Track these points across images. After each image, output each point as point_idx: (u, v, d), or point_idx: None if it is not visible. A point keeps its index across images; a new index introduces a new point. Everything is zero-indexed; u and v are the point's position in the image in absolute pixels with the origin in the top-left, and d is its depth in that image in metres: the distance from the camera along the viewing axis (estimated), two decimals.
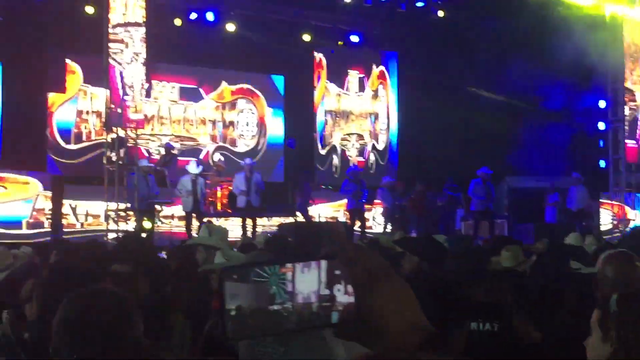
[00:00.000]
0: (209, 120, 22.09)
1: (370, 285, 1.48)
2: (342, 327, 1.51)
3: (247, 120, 22.67)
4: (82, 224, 18.14)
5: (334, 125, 23.90)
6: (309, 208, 20.00)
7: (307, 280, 1.49)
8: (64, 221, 17.89)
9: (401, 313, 1.48)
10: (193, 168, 17.98)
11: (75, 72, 20.30)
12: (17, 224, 17.08)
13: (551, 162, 23.12)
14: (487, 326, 5.32)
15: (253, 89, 22.72)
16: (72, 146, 20.32)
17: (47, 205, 17.68)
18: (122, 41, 16.44)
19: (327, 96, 23.69)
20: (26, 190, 17.49)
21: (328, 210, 21.07)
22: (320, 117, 23.57)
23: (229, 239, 14.55)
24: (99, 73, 17.45)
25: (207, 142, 21.99)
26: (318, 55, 23.33)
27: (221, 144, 22.18)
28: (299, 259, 1.49)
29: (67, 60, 20.08)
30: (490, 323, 5.32)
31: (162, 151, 20.58)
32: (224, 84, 22.24)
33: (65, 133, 20.24)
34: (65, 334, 2.66)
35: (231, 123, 22.40)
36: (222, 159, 21.24)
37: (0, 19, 14.18)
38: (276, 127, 23.04)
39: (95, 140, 20.29)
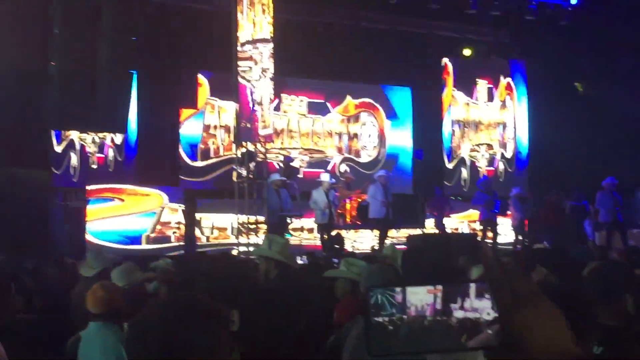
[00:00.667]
0: (335, 133, 22.25)
1: (517, 308, 1.45)
2: (487, 351, 1.48)
3: (369, 132, 22.70)
4: (207, 237, 18.25)
5: (463, 137, 23.66)
6: (443, 220, 19.88)
7: (453, 301, 1.48)
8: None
9: (550, 338, 1.43)
10: (326, 178, 18.13)
11: (202, 85, 20.56)
12: (135, 239, 16.97)
13: None
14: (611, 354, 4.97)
15: (374, 102, 22.74)
16: (199, 163, 20.50)
17: (174, 218, 17.64)
18: (250, 58, 16.65)
19: (454, 105, 23.47)
20: (147, 203, 17.44)
21: (453, 222, 20.88)
22: (446, 128, 23.38)
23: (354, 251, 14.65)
24: (226, 87, 17.76)
25: (334, 154, 22.15)
26: (444, 60, 23.19)
27: (346, 155, 22.30)
28: (450, 282, 1.49)
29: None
30: (614, 349, 4.97)
31: (282, 165, 20.78)
32: (348, 98, 22.35)
33: (191, 149, 20.47)
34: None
35: (355, 135, 22.50)
36: (348, 170, 21.31)
37: (134, 39, 14.59)
38: (395, 138, 22.99)
39: (224, 156, 20.45)
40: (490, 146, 24.08)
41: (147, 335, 2.36)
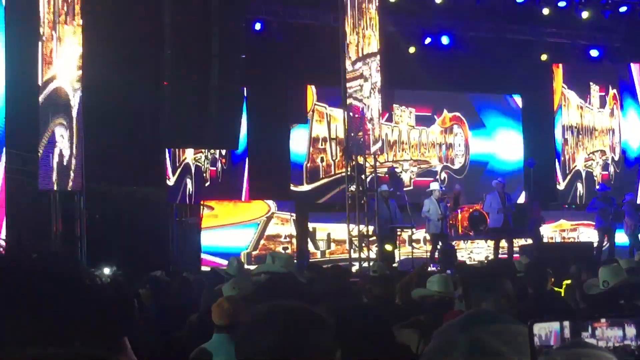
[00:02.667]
0: (437, 143, 22.10)
1: None
2: None
3: (459, 142, 22.46)
4: (323, 252, 18.20)
5: (577, 145, 23.08)
6: (540, 228, 19.50)
7: (619, 335, 1.44)
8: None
9: None
10: (436, 186, 18.08)
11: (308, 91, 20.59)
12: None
13: None
14: None
15: (461, 116, 22.48)
16: (306, 187, 20.31)
17: (284, 230, 17.50)
18: (361, 76, 16.64)
19: (565, 107, 22.94)
20: (247, 212, 17.37)
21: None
22: (557, 135, 22.95)
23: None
24: (334, 96, 17.79)
25: (437, 164, 22.03)
26: (555, 66, 22.80)
27: (445, 164, 22.17)
28: (623, 317, 1.44)
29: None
30: None
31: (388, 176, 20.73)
32: (445, 112, 22.21)
33: (297, 169, 20.24)
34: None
35: (450, 145, 22.32)
36: (458, 187, 21.07)
37: (243, 56, 14.88)
38: (478, 147, 22.71)
39: (335, 174, 20.28)
40: (603, 152, 23.52)
41: (261, 338, 2.41)
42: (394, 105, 21.09)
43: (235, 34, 14.72)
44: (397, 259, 17.41)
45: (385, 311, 7.13)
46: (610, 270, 7.10)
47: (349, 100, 16.51)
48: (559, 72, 22.82)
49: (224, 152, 18.81)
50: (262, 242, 17.07)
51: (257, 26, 19.83)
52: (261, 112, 19.26)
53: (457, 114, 22.45)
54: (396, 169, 20.64)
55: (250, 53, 15.39)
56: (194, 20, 14.17)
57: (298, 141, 20.53)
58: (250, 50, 15.42)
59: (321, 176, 20.52)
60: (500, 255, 17.89)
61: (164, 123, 14.61)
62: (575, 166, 22.96)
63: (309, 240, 18.15)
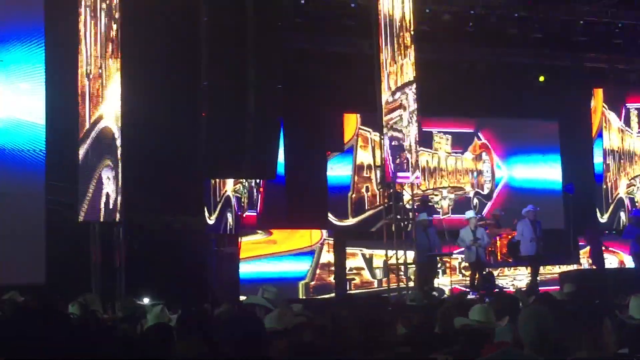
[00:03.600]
0: (469, 170, 21.99)
1: None
2: None
3: (487, 168, 22.29)
4: (380, 281, 18.01)
5: (619, 171, 22.84)
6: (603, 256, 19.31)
7: None
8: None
9: None
10: (471, 214, 18.00)
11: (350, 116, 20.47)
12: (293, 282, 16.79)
13: None
14: None
15: (487, 143, 22.34)
16: (351, 221, 20.03)
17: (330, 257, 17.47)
18: (400, 106, 16.67)
19: (608, 130, 22.75)
20: (302, 239, 17.43)
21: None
22: (597, 158, 22.73)
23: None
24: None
25: (470, 190, 21.92)
26: (595, 90, 22.66)
27: (477, 190, 22.04)
28: None
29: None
30: None
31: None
32: (475, 140, 22.12)
33: (339, 199, 20.06)
34: None
35: (480, 171, 22.18)
36: (498, 211, 20.93)
37: (280, 86, 14.93)
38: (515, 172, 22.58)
39: (380, 205, 19.72)
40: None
41: None
42: (433, 131, 21.08)
43: (272, 62, 14.79)
44: (437, 287, 17.33)
45: (426, 339, 7.16)
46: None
47: (390, 132, 16.52)
48: (599, 93, 22.68)
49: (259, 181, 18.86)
50: (317, 271, 17.09)
51: (293, 54, 19.89)
52: (298, 141, 19.26)
53: (485, 141, 22.32)
54: (435, 196, 20.64)
55: (286, 81, 15.43)
56: (231, 49, 14.26)
57: (339, 172, 20.28)
58: (286, 78, 15.45)
59: (366, 207, 20.27)
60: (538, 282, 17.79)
61: (202, 153, 14.69)
62: (618, 194, 22.70)
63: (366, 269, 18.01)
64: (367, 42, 18.18)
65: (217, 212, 17.85)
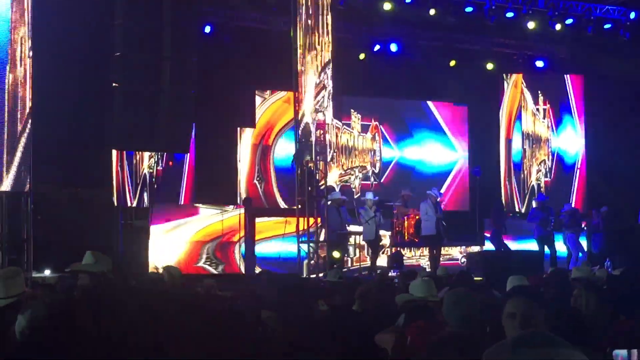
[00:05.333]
0: (370, 150, 22.22)
1: None
2: None
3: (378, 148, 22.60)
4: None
5: (532, 156, 23.31)
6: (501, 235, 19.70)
7: None
8: None
9: None
10: (370, 196, 18.19)
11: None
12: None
13: None
14: None
15: (379, 125, 22.55)
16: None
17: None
18: (324, 87, 16.70)
19: (524, 112, 23.19)
20: None
21: None
22: (516, 145, 23.18)
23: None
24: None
25: (370, 169, 22.15)
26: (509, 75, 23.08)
27: (373, 169, 22.27)
28: None
29: None
30: None
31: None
32: (372, 121, 22.33)
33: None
34: None
35: (374, 151, 22.46)
36: (407, 191, 21.18)
37: (195, 59, 14.78)
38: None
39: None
40: (544, 162, 23.73)
41: None
42: (352, 111, 21.26)
43: (187, 36, 14.62)
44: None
45: (347, 319, 7.19)
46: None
47: (314, 115, 16.59)
48: (519, 77, 23.10)
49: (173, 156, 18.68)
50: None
51: (207, 29, 19.71)
52: (209, 116, 19.08)
53: (376, 123, 22.49)
54: (350, 176, 20.91)
55: (200, 56, 15.28)
56: (145, 22, 14.04)
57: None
58: (200, 53, 15.30)
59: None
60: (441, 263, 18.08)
61: (114, 125, 14.45)
62: (532, 182, 23.18)
63: None
64: (282, 19, 18.12)
65: (137, 195, 17.75)
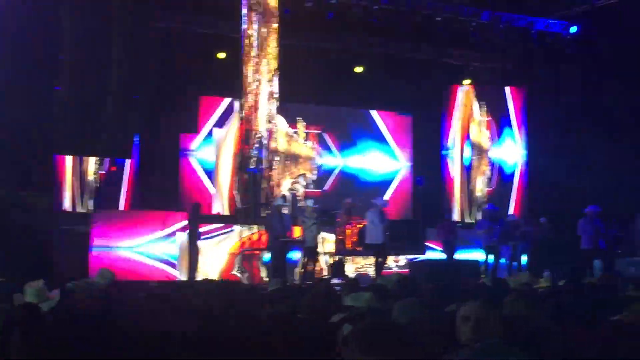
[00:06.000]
0: (310, 158, 22.25)
1: None
2: None
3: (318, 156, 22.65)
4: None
5: (479, 166, 23.59)
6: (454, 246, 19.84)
7: None
8: None
9: None
10: (310, 203, 18.20)
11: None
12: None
13: None
14: None
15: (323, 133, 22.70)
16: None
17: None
18: (263, 92, 16.69)
19: (472, 123, 23.46)
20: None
21: None
22: (466, 153, 23.40)
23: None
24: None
25: (310, 177, 22.17)
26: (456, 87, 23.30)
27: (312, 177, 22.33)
28: None
29: None
30: None
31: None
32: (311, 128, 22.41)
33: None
34: None
35: (312, 159, 22.40)
36: (350, 200, 21.23)
37: (149, 65, 14.71)
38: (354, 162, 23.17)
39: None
40: (485, 171, 23.93)
41: None
42: (298, 119, 21.27)
43: (136, 40, 14.52)
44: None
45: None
46: None
47: (244, 115, 16.55)
48: (471, 89, 23.32)
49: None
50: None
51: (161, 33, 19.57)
52: (152, 122, 18.95)
53: (313, 131, 22.45)
54: (296, 184, 20.91)
55: (148, 60, 15.18)
56: (94, 25, 13.91)
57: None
58: (149, 57, 15.21)
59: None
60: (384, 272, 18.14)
61: (57, 129, 14.27)
62: (477, 195, 23.40)
63: None
64: (230, 24, 18.07)
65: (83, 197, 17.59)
